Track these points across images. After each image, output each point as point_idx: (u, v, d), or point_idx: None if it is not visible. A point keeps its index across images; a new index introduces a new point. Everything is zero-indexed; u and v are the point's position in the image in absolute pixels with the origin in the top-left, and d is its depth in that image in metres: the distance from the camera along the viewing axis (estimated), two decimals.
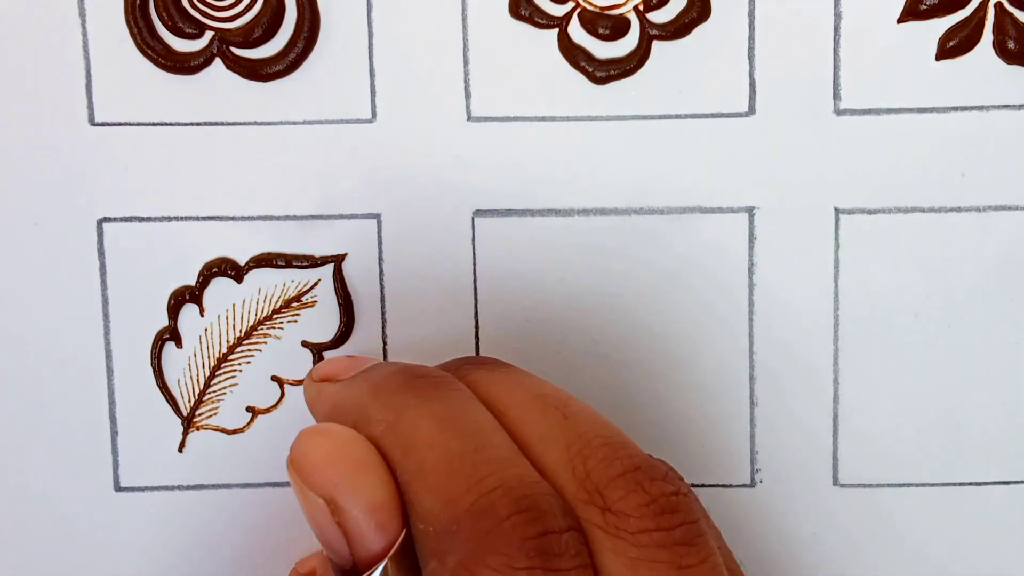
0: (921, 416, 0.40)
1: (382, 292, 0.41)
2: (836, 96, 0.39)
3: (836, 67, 0.39)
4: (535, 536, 0.25)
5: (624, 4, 0.39)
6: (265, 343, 0.41)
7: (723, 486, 0.41)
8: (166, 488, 0.42)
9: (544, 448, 0.28)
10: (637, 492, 0.27)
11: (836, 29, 0.38)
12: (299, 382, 0.41)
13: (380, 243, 0.40)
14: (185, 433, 0.42)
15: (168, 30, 0.40)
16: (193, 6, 0.39)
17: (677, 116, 0.39)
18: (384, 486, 0.27)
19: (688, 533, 0.27)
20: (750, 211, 0.39)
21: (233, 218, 0.40)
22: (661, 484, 0.27)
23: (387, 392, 0.29)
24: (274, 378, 0.41)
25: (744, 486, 0.41)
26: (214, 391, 0.41)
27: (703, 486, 0.41)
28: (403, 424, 0.28)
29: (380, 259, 0.40)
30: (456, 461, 0.27)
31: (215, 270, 0.41)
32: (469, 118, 0.40)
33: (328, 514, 0.27)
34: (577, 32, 0.39)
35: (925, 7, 0.38)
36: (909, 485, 0.40)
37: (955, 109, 0.39)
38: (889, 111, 0.39)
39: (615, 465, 0.27)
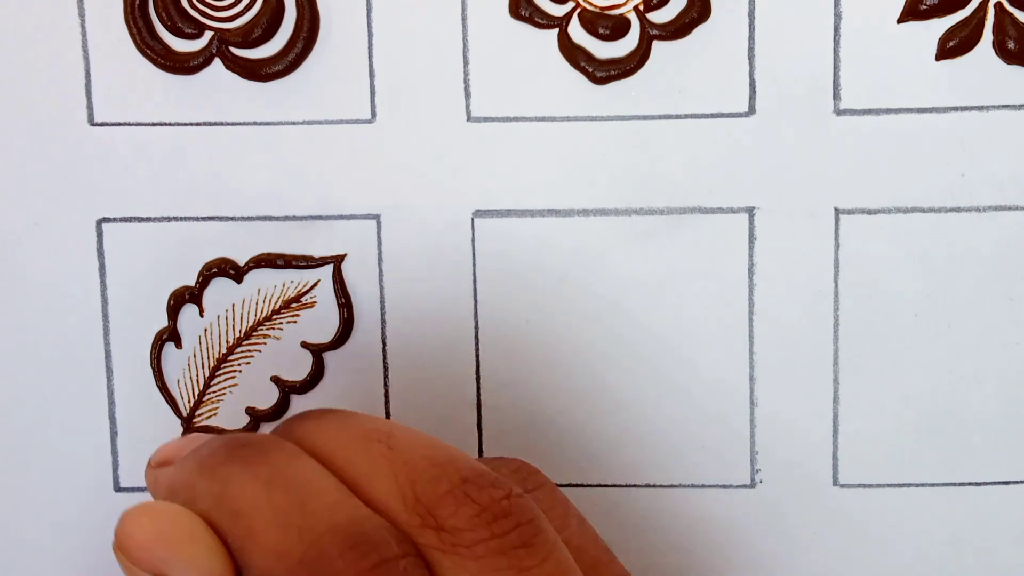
0: (921, 416, 0.40)
1: (382, 292, 0.41)
2: (836, 96, 0.39)
3: (836, 67, 0.39)
4: (371, 568, 0.25)
5: (624, 4, 0.39)
6: (265, 344, 0.41)
7: (723, 486, 0.41)
8: None
9: (373, 483, 0.28)
10: (466, 504, 0.27)
11: (836, 29, 0.38)
12: (300, 384, 0.41)
13: (380, 243, 0.40)
14: (185, 434, 0.42)
15: (167, 30, 0.39)
16: (192, 6, 0.39)
17: (677, 116, 0.39)
18: (215, 555, 0.27)
19: (524, 535, 0.27)
20: (750, 211, 0.39)
21: (233, 218, 0.40)
22: (490, 491, 0.27)
23: (212, 466, 0.29)
24: (274, 379, 0.41)
25: (744, 486, 0.41)
26: (214, 392, 0.41)
27: (703, 486, 0.41)
28: (229, 493, 0.27)
29: (380, 259, 0.40)
30: (283, 516, 0.26)
31: (215, 270, 0.41)
32: (469, 118, 0.40)
33: None
34: (577, 32, 0.39)
35: (925, 7, 0.38)
36: (909, 485, 0.40)
37: (955, 109, 0.39)
38: (889, 111, 0.39)
39: (442, 483, 0.27)
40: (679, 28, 0.39)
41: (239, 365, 0.41)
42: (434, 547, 0.26)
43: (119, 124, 0.40)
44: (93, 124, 0.40)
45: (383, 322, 0.41)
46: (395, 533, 0.26)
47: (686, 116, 0.39)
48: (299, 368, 0.41)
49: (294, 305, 0.41)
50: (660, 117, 0.39)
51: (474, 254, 0.40)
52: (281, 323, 0.41)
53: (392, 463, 0.28)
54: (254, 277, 0.41)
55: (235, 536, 0.27)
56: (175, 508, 0.28)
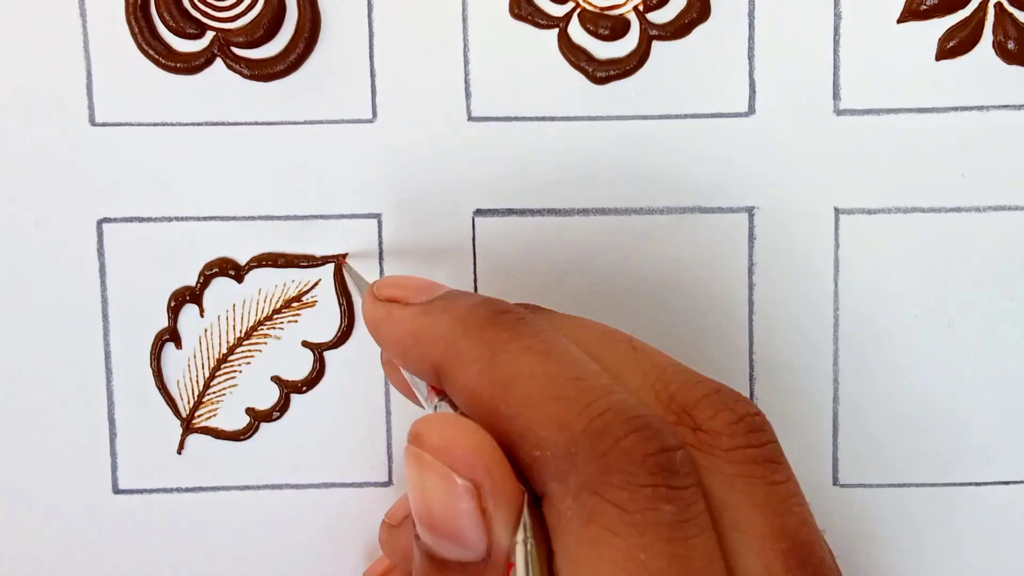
0: (921, 416, 0.40)
1: None
2: (836, 96, 0.39)
3: (836, 67, 0.39)
4: (654, 453, 0.26)
5: (624, 4, 0.39)
6: (265, 343, 0.41)
7: None
8: (164, 490, 0.42)
9: (621, 378, 0.28)
10: (725, 411, 0.28)
11: (836, 29, 0.39)
12: (301, 384, 0.41)
13: (380, 243, 0.40)
14: (184, 435, 0.42)
15: (169, 30, 0.40)
16: (194, 6, 0.39)
17: (677, 116, 0.39)
18: (514, 475, 0.27)
19: (775, 451, 0.28)
20: (750, 211, 0.39)
21: (233, 218, 0.40)
22: (745, 404, 0.28)
23: (475, 326, 0.29)
24: (274, 379, 0.41)
25: None
26: (214, 392, 0.41)
27: None
28: (501, 359, 0.28)
29: (380, 259, 0.40)
30: (561, 388, 0.27)
31: (215, 270, 0.41)
32: (469, 118, 0.40)
33: (473, 499, 0.27)
34: (577, 32, 0.39)
35: (925, 7, 0.38)
36: (909, 485, 0.40)
37: (955, 109, 0.39)
38: (889, 111, 0.39)
39: (697, 388, 0.28)
40: (679, 28, 0.39)
41: (239, 365, 0.41)
42: (691, 444, 0.27)
43: (120, 124, 0.40)
44: (94, 124, 0.40)
45: None
46: (668, 424, 0.27)
47: (686, 116, 0.39)
48: (300, 367, 0.41)
49: (295, 305, 0.41)
50: (660, 117, 0.39)
51: (474, 254, 0.40)
52: (282, 323, 0.41)
53: (639, 362, 0.29)
54: (255, 277, 0.41)
55: (509, 404, 0.27)
56: (473, 424, 0.28)
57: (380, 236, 0.40)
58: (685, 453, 0.26)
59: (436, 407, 0.31)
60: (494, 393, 0.28)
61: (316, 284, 0.41)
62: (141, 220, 0.41)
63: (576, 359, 0.28)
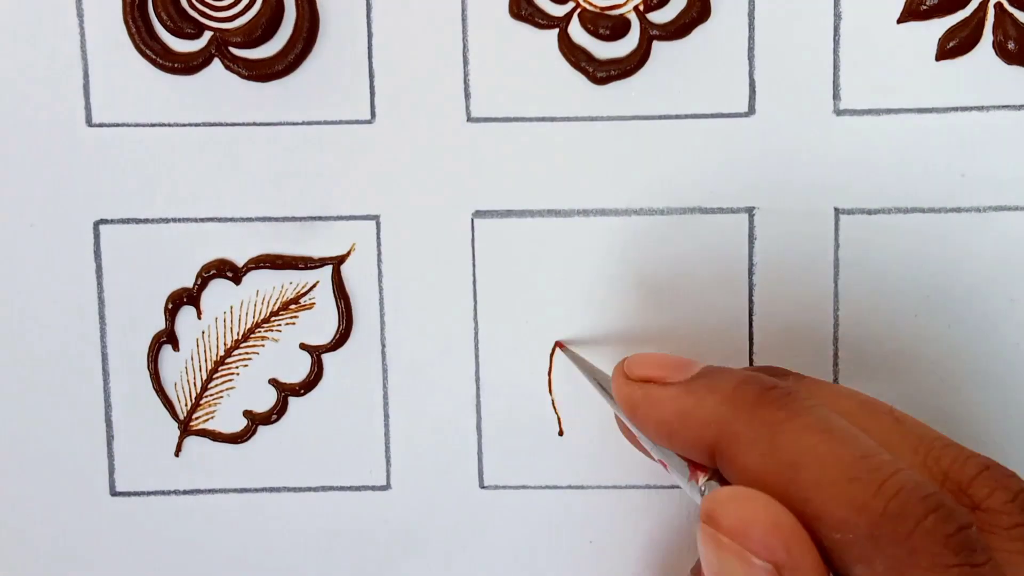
0: (921, 416, 0.40)
1: (381, 294, 0.41)
2: (836, 96, 0.39)
3: (836, 67, 0.39)
4: (954, 532, 0.26)
5: (624, 4, 0.39)
6: (263, 346, 0.41)
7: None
8: (162, 493, 0.42)
9: (891, 452, 0.28)
10: (1000, 490, 0.28)
11: (836, 29, 0.39)
12: (299, 386, 0.41)
13: (379, 244, 0.40)
14: (181, 437, 0.41)
15: (167, 30, 0.39)
16: (192, 6, 0.39)
17: (677, 116, 0.39)
18: (815, 549, 0.27)
19: None
20: (750, 211, 0.39)
21: (231, 219, 0.40)
22: (1017, 480, 0.29)
23: (747, 406, 0.30)
24: (272, 381, 0.41)
25: None
26: (211, 395, 0.41)
27: None
28: (782, 441, 0.28)
29: (379, 260, 0.40)
30: (851, 469, 0.27)
31: (213, 272, 0.41)
32: (469, 118, 0.40)
33: None
34: (577, 32, 0.39)
35: (925, 7, 0.38)
36: None
37: (955, 109, 0.39)
38: (889, 111, 0.39)
39: (969, 464, 0.29)
40: (679, 28, 0.39)
41: (237, 367, 0.41)
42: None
43: (117, 125, 0.40)
44: (91, 125, 0.40)
45: (382, 323, 0.41)
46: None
47: (686, 116, 0.39)
48: (298, 370, 0.41)
49: (293, 307, 0.41)
50: (660, 117, 0.39)
51: (474, 254, 0.40)
52: (280, 325, 0.41)
53: (905, 436, 0.30)
54: (252, 278, 0.41)
55: (799, 486, 0.27)
56: (766, 497, 0.28)
57: (379, 237, 0.40)
58: (977, 530, 0.27)
59: (703, 487, 0.31)
60: (781, 476, 0.28)
61: (314, 286, 0.41)
62: (138, 221, 0.40)
63: (855, 436, 0.28)
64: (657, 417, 0.32)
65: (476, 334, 0.41)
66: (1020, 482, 0.28)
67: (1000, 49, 0.38)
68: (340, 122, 0.40)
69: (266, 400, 0.41)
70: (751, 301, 0.40)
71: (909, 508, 0.26)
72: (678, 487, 0.41)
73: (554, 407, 0.41)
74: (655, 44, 0.39)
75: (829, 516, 0.27)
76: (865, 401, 0.31)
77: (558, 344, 0.40)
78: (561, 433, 0.41)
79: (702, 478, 0.31)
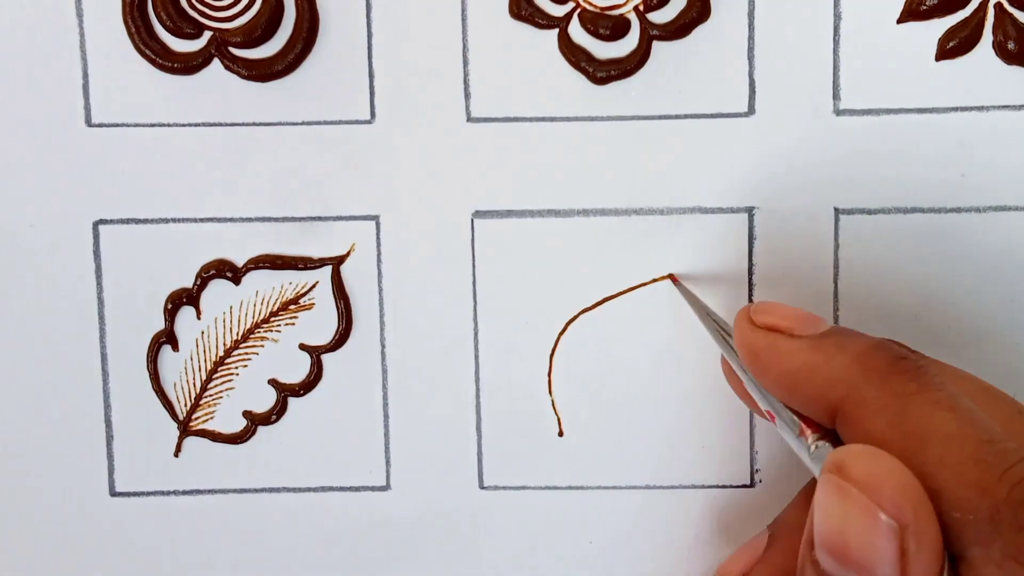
0: None
1: (380, 294, 0.41)
2: (836, 96, 0.39)
3: (836, 67, 0.39)
4: None
5: (624, 4, 0.39)
6: (263, 346, 0.41)
7: (723, 486, 0.41)
8: (161, 493, 0.42)
9: (1014, 440, 0.28)
10: None
11: (836, 29, 0.39)
12: (298, 387, 0.41)
13: (379, 244, 0.40)
14: (181, 438, 0.41)
15: (166, 30, 0.39)
16: (192, 6, 0.39)
17: (677, 116, 0.39)
18: (937, 519, 0.27)
19: None
20: (750, 211, 0.39)
21: (231, 219, 0.40)
22: None
23: (877, 372, 0.29)
24: (272, 382, 0.41)
25: (744, 486, 0.41)
26: (211, 395, 0.41)
27: (703, 487, 0.41)
28: (911, 412, 0.28)
29: (379, 261, 0.40)
30: (978, 451, 0.27)
31: (212, 272, 0.40)
32: (469, 118, 0.40)
33: (896, 538, 0.27)
34: (577, 32, 0.39)
35: (925, 7, 0.38)
36: None
37: (955, 109, 0.39)
38: (889, 111, 0.39)
39: None
40: (679, 28, 0.39)
41: (236, 368, 0.41)
42: None
43: (117, 125, 0.40)
44: (90, 125, 0.40)
45: (382, 324, 0.41)
46: None
47: (686, 116, 0.39)
48: (297, 370, 0.41)
49: (292, 307, 0.41)
50: (660, 117, 0.39)
51: (474, 254, 0.40)
52: (279, 325, 0.41)
53: None
54: (252, 279, 0.41)
55: (924, 460, 0.27)
56: (899, 462, 0.28)
57: (378, 238, 0.40)
58: None
59: (812, 445, 0.31)
60: (906, 447, 0.28)
61: (314, 286, 0.41)
62: (138, 222, 0.40)
63: (983, 420, 0.28)
64: (781, 368, 0.32)
65: (476, 334, 0.41)
66: None
67: (1000, 49, 0.38)
68: (340, 122, 0.40)
69: (266, 400, 0.41)
70: (751, 301, 0.40)
71: None
72: (677, 488, 0.41)
73: (554, 407, 0.41)
74: (655, 44, 0.39)
75: (951, 494, 0.27)
76: (989, 389, 0.31)
77: (672, 277, 0.40)
78: (561, 434, 0.41)
79: (811, 436, 0.31)
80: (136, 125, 0.40)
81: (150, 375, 0.41)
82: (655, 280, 0.40)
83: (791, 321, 0.32)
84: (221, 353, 0.41)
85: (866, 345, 0.30)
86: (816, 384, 0.30)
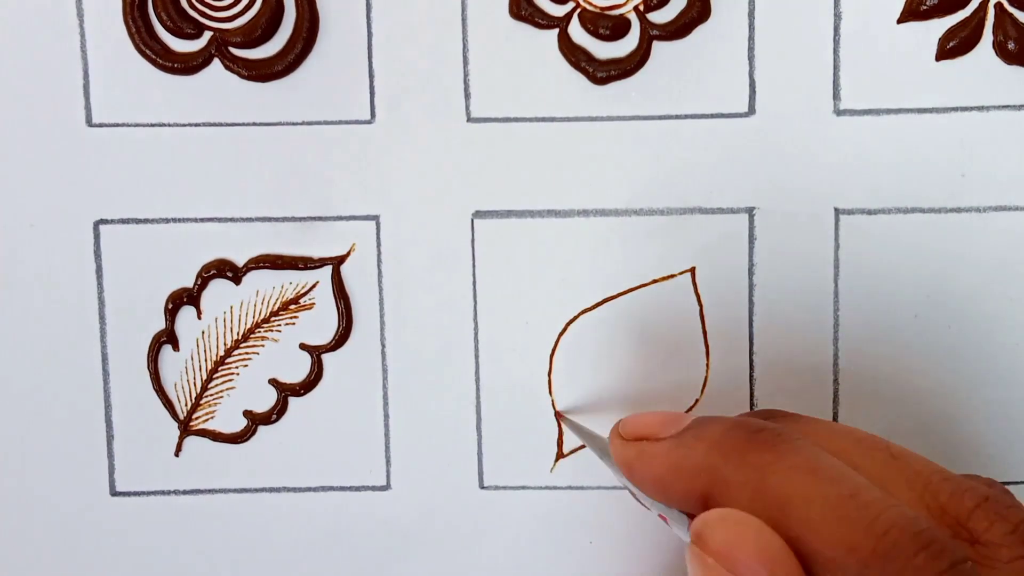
0: (921, 416, 0.40)
1: (380, 294, 0.41)
2: (836, 96, 0.39)
3: (836, 67, 0.39)
4: (947, 569, 0.26)
5: (624, 4, 0.39)
6: (263, 346, 0.41)
7: None
8: (162, 493, 0.42)
9: (887, 489, 0.28)
10: (1000, 521, 0.27)
11: (836, 29, 0.39)
12: (299, 387, 0.41)
13: (379, 245, 0.40)
14: (181, 437, 0.41)
15: (167, 30, 0.39)
16: (192, 6, 0.39)
17: (677, 116, 0.39)
18: (802, 571, 0.27)
19: None
20: (750, 211, 0.39)
21: (231, 219, 0.40)
22: (1017, 510, 0.28)
23: (736, 451, 0.29)
24: (272, 381, 0.41)
25: None
26: (211, 395, 0.41)
27: None
28: (770, 482, 0.28)
29: (379, 261, 0.40)
30: (840, 508, 0.27)
31: (213, 272, 0.41)
32: (469, 118, 0.40)
33: None
34: (577, 32, 0.39)
35: (925, 7, 0.38)
36: None
37: (955, 109, 0.39)
38: (889, 111, 0.39)
39: (967, 497, 0.28)
40: (679, 28, 0.39)
41: (237, 368, 0.41)
42: (971, 557, 0.27)
43: (117, 125, 0.40)
44: (91, 125, 0.40)
45: (382, 323, 0.41)
46: (951, 537, 0.27)
47: (686, 116, 0.39)
48: (298, 370, 0.41)
49: (292, 307, 0.41)
50: (660, 117, 0.39)
51: (474, 254, 0.40)
52: (280, 325, 0.41)
53: (902, 472, 0.29)
54: (252, 279, 0.41)
55: (787, 528, 0.27)
56: (758, 522, 0.28)
57: (378, 238, 0.40)
58: (974, 565, 0.26)
59: None
60: (770, 516, 0.28)
61: (314, 286, 0.41)
62: (138, 222, 0.40)
63: (844, 475, 0.28)
64: (651, 473, 0.32)
65: (476, 334, 0.41)
66: (1021, 512, 0.28)
67: (1000, 49, 0.38)
68: (340, 122, 0.40)
69: (266, 400, 0.41)
70: (751, 301, 0.40)
71: (900, 545, 0.26)
72: None
73: (554, 407, 0.41)
74: (655, 44, 0.39)
75: (820, 556, 0.27)
76: (862, 439, 0.31)
77: (558, 415, 0.40)
78: (560, 433, 0.41)
79: None
80: (136, 125, 0.40)
81: (150, 375, 0.41)
82: (655, 281, 0.40)
83: (653, 427, 0.32)
84: (221, 353, 0.41)
85: (723, 428, 0.30)
86: (683, 479, 0.31)
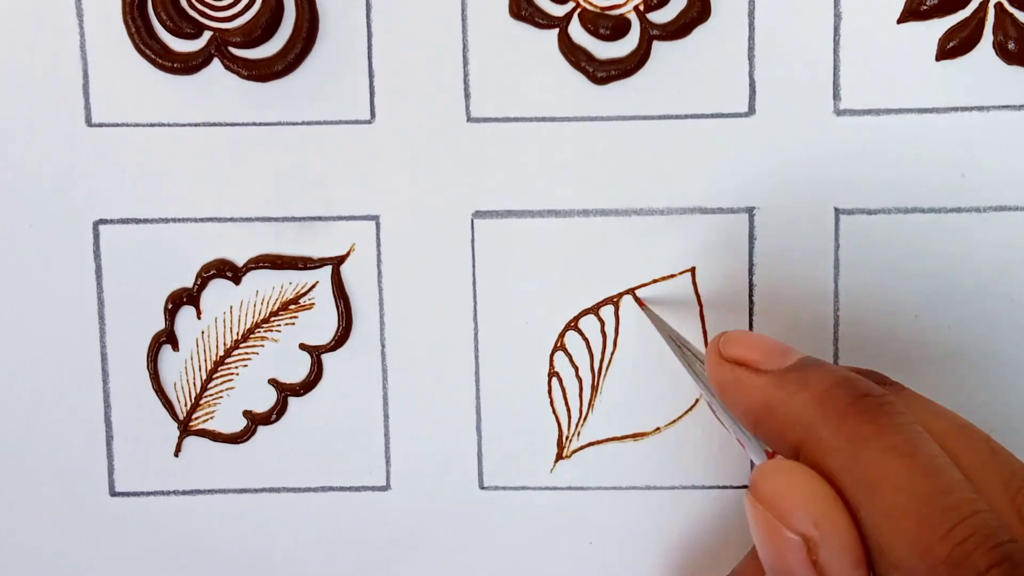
0: None
1: (380, 294, 0.41)
2: (836, 96, 0.39)
3: (836, 67, 0.39)
4: None
5: (624, 4, 0.39)
6: (263, 346, 0.41)
7: (723, 487, 0.41)
8: (161, 493, 0.42)
9: (981, 484, 0.28)
10: None
11: (836, 29, 0.39)
12: (298, 386, 0.41)
13: (379, 244, 0.40)
14: (181, 437, 0.41)
15: (166, 30, 0.39)
16: (191, 6, 0.39)
17: (677, 116, 0.39)
18: (853, 528, 0.27)
19: None
20: (750, 211, 0.39)
21: (231, 219, 0.40)
22: None
23: (836, 412, 0.29)
24: (272, 381, 0.41)
25: (744, 487, 0.41)
26: (211, 395, 0.41)
27: (703, 487, 0.41)
28: (865, 459, 0.27)
29: (379, 261, 0.40)
30: (926, 506, 0.26)
31: (212, 272, 0.40)
32: (469, 118, 0.40)
33: (804, 552, 0.27)
34: (577, 32, 0.39)
35: (925, 7, 0.38)
36: None
37: (955, 109, 0.39)
38: (889, 111, 0.39)
39: None
40: (679, 28, 0.39)
41: (237, 367, 0.41)
42: None
43: (116, 125, 0.40)
44: (91, 125, 0.40)
45: (382, 324, 0.41)
46: None
47: (686, 116, 0.39)
48: (298, 370, 0.41)
49: (292, 307, 0.41)
50: (660, 117, 0.39)
51: (474, 254, 0.40)
52: (279, 325, 0.41)
53: (1000, 470, 0.28)
54: (252, 279, 0.41)
55: (870, 511, 0.27)
56: (814, 475, 0.27)
57: (378, 238, 0.40)
58: None
59: None
60: (855, 494, 0.27)
61: (314, 286, 0.41)
62: (138, 221, 0.40)
63: (940, 466, 0.27)
64: (746, 405, 0.31)
65: (476, 334, 0.41)
66: None
67: (1000, 49, 0.38)
68: (340, 122, 0.40)
69: (266, 400, 0.41)
70: (751, 301, 0.40)
71: (972, 558, 0.25)
72: (677, 488, 0.41)
73: (553, 408, 0.41)
74: (655, 44, 0.39)
75: (892, 553, 0.26)
76: (964, 426, 0.30)
77: (639, 302, 0.40)
78: (560, 434, 0.41)
79: None
80: (136, 125, 0.40)
81: (150, 375, 0.41)
82: (655, 280, 0.40)
83: (758, 353, 0.31)
84: (221, 353, 0.41)
85: (829, 382, 0.30)
86: (777, 423, 0.30)
